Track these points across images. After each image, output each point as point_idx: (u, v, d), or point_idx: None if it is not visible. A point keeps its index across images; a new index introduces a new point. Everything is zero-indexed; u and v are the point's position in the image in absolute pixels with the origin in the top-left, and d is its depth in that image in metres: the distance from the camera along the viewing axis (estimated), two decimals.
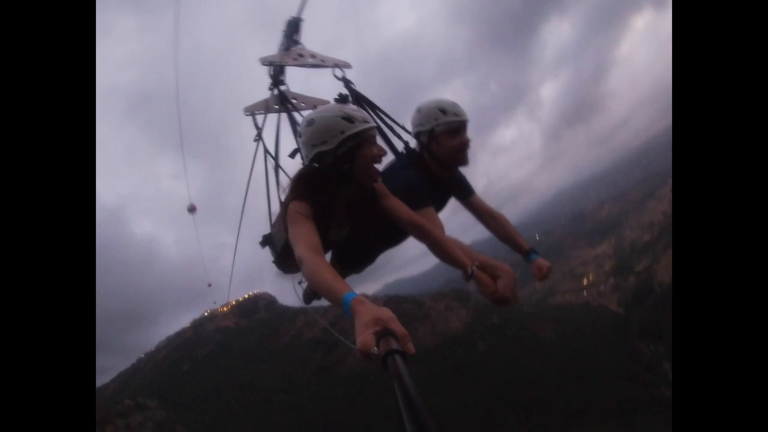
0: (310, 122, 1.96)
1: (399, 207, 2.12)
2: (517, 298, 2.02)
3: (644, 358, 67.03)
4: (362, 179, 1.98)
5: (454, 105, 2.43)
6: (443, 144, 2.40)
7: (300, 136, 2.03)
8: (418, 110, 2.48)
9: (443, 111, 2.39)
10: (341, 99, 2.23)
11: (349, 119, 1.89)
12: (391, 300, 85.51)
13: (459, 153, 2.43)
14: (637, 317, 77.05)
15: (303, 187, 1.98)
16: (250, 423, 58.63)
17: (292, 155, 2.27)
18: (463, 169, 2.70)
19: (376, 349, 1.09)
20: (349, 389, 62.27)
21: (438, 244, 2.07)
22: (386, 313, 1.20)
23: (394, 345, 1.06)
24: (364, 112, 2.08)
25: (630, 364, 65.32)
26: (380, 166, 2.04)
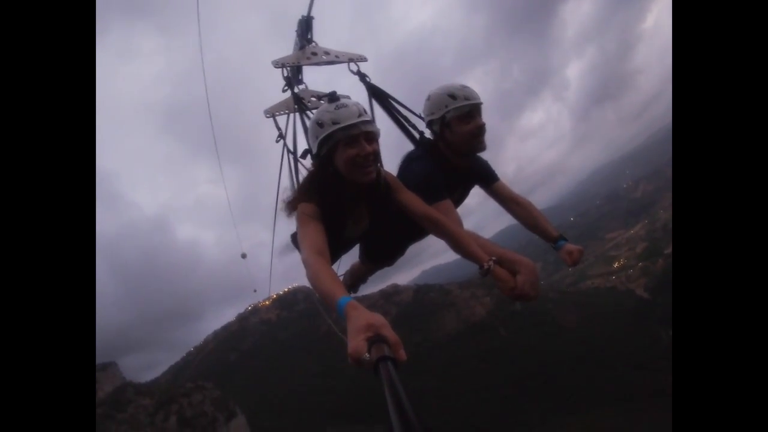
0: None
1: (413, 201, 2.09)
2: (539, 292, 1.93)
3: (662, 345, 68.30)
4: (351, 179, 1.94)
5: (464, 88, 2.33)
6: (456, 131, 2.31)
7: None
8: (428, 98, 2.41)
9: (453, 96, 2.30)
10: (328, 97, 2.03)
11: (320, 124, 1.90)
12: (420, 289, 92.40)
13: (474, 139, 2.33)
14: (661, 302, 77.61)
15: (310, 188, 2.01)
16: (292, 404, 66.74)
17: (303, 156, 2.30)
18: (486, 155, 2.59)
19: (367, 355, 1.09)
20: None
21: (453, 239, 2.03)
22: (379, 319, 1.21)
23: (386, 351, 1.07)
24: (343, 110, 1.89)
25: (647, 351, 67.27)
26: (394, 158, 2.08)
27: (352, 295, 2.83)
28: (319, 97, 3.25)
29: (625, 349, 68.76)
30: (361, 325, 1.19)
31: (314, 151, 1.98)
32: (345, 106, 1.92)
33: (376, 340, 1.13)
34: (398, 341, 1.16)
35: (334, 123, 1.87)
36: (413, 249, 2.70)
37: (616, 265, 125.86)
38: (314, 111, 2.22)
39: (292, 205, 2.00)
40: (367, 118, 1.93)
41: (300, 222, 1.88)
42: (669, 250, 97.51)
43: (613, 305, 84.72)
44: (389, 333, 1.17)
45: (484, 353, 71.07)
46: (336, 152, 1.90)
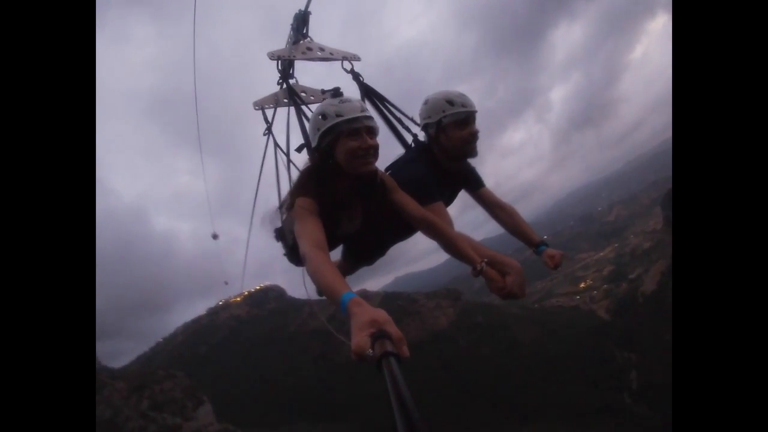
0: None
1: (407, 202, 2.14)
2: (525, 293, 2.02)
3: (615, 366, 72.30)
4: (351, 171, 1.98)
5: (462, 96, 2.40)
6: (451, 136, 2.39)
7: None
8: (426, 102, 2.48)
9: (450, 102, 2.38)
10: (331, 92, 2.10)
11: (323, 116, 1.96)
12: (388, 296, 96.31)
13: (467, 144, 2.42)
14: (619, 325, 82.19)
15: (308, 182, 2.03)
16: (258, 400, 69.74)
17: (299, 150, 2.30)
18: (472, 162, 2.69)
19: (371, 351, 1.10)
20: (344, 374, 71.30)
21: (447, 240, 2.08)
22: (382, 315, 1.21)
23: (389, 347, 1.08)
24: (346, 104, 1.99)
25: (599, 370, 71.02)
26: (381, 159, 2.05)
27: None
28: (309, 92, 3.25)
29: (579, 367, 72.42)
30: (364, 321, 1.18)
31: (315, 143, 2.01)
32: (349, 101, 2.00)
33: (379, 335, 1.14)
34: (401, 337, 1.16)
35: (338, 115, 1.94)
36: (388, 255, 2.74)
37: (582, 285, 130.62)
38: (312, 107, 2.32)
39: (290, 200, 2.03)
40: (369, 113, 2.01)
41: (298, 216, 1.88)
42: (634, 275, 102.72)
43: (573, 324, 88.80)
44: (393, 329, 1.17)
45: (443, 361, 75.08)
46: (337, 144, 1.95)
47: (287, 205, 2.09)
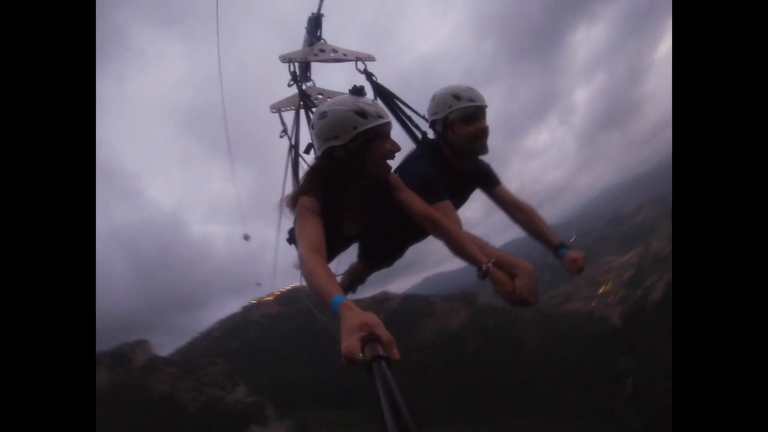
0: (322, 115, 1.98)
1: (413, 200, 2.11)
2: (538, 298, 1.92)
3: (616, 371, 75.35)
4: (373, 175, 1.99)
5: (470, 90, 2.35)
6: (459, 132, 2.34)
7: (312, 128, 2.07)
8: (433, 98, 2.45)
9: (457, 97, 2.34)
10: (356, 91, 2.03)
11: (362, 114, 1.90)
12: (406, 298, 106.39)
13: (476, 141, 2.36)
14: (628, 332, 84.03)
15: (313, 181, 2.02)
16: (286, 389, 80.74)
17: (307, 150, 2.27)
18: (486, 158, 2.62)
19: (361, 354, 1.11)
20: (363, 368, 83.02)
21: (452, 239, 2.03)
22: (372, 318, 1.23)
23: (380, 351, 1.09)
24: (380, 106, 2.02)
25: (599, 375, 74.78)
26: (395, 160, 2.08)
27: (349, 295, 2.94)
28: (326, 94, 3.24)
29: (579, 370, 77.30)
30: (354, 325, 1.20)
31: (344, 140, 1.92)
32: (376, 102, 2.05)
33: (369, 339, 1.15)
34: (392, 340, 1.18)
35: (379, 116, 1.93)
36: (416, 256, 2.77)
37: (601, 290, 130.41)
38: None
39: (294, 199, 2.01)
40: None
41: (299, 215, 1.89)
42: (650, 282, 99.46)
43: (582, 330, 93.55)
44: (383, 332, 1.19)
45: (452, 360, 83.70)
46: (374, 144, 1.93)
47: (291, 204, 2.05)
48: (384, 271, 3.11)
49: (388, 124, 1.99)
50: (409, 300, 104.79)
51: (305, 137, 2.88)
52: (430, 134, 2.60)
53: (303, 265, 1.66)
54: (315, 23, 3.06)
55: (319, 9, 3.00)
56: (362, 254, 2.80)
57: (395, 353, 1.15)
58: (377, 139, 1.95)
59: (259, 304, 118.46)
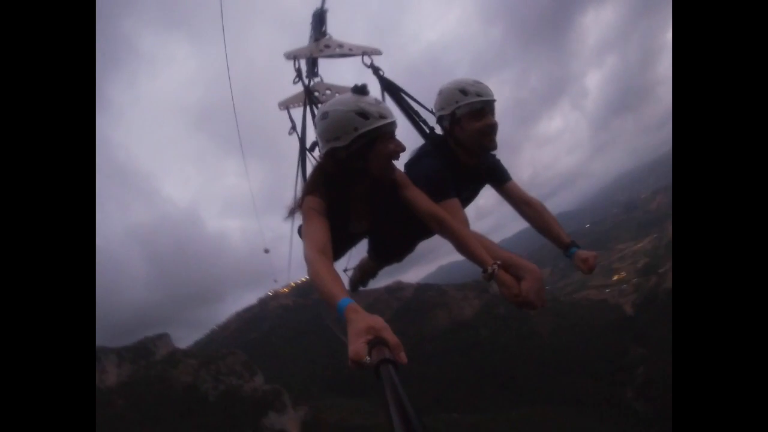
0: (324, 115, 1.95)
1: (419, 198, 2.10)
2: (544, 301, 1.88)
3: (627, 361, 75.55)
4: (378, 175, 1.97)
5: (477, 84, 2.32)
6: (466, 128, 2.30)
7: (315, 128, 2.06)
8: (439, 93, 2.42)
9: (464, 92, 2.29)
10: (358, 89, 1.97)
11: (363, 115, 1.87)
12: (420, 288, 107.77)
13: (484, 137, 2.31)
14: (640, 320, 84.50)
15: (318, 181, 2.01)
16: (301, 377, 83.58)
17: (312, 148, 2.32)
18: (500, 157, 2.59)
19: (368, 358, 1.12)
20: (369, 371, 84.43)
21: (457, 239, 2.01)
22: (379, 321, 1.24)
23: (387, 354, 1.10)
24: (383, 105, 1.97)
25: (610, 364, 74.88)
26: (401, 160, 2.05)
27: (360, 288, 3.06)
28: (334, 89, 3.19)
29: (590, 359, 77.39)
30: (361, 328, 1.21)
31: (346, 142, 1.90)
32: (381, 102, 1.99)
33: (376, 342, 1.16)
34: (398, 344, 1.19)
35: (382, 117, 1.89)
36: (429, 245, 2.67)
37: (615, 278, 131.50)
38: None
39: (300, 199, 2.02)
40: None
41: (305, 216, 1.89)
42: (663, 269, 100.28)
43: (594, 318, 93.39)
44: (389, 336, 1.20)
45: (464, 348, 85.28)
46: (376, 145, 1.90)
47: (297, 203, 2.05)
48: (400, 264, 3.11)
49: (391, 124, 1.94)
50: (422, 289, 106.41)
51: (313, 134, 2.79)
52: (437, 130, 2.59)
53: (309, 267, 1.66)
54: (319, 19, 3.05)
55: (323, 4, 2.97)
56: (372, 251, 2.78)
57: (402, 357, 1.16)
58: (379, 140, 1.91)
59: (275, 296, 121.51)
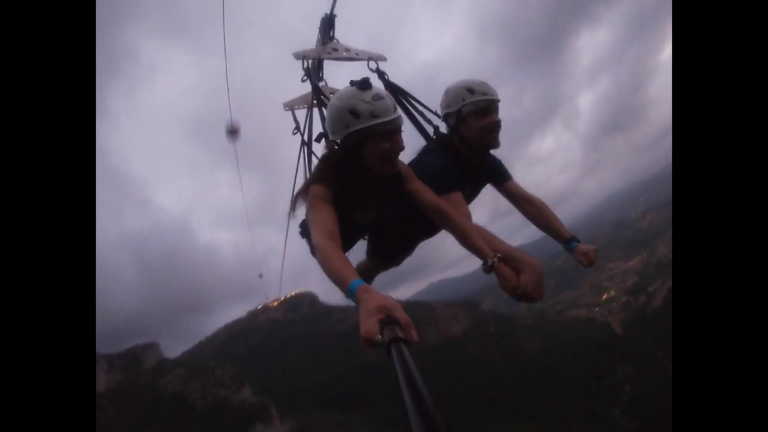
0: (329, 107, 1.99)
1: (423, 191, 2.12)
2: (543, 295, 1.89)
3: (614, 378, 76.60)
4: (376, 171, 1.97)
5: (483, 84, 2.38)
6: (471, 125, 2.36)
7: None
8: (446, 92, 2.47)
9: (470, 90, 2.36)
10: (359, 83, 1.93)
11: (355, 114, 1.86)
12: (409, 305, 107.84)
13: (488, 134, 2.37)
14: (628, 339, 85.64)
15: (324, 169, 2.01)
16: (290, 392, 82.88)
17: (318, 139, 2.29)
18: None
19: (379, 336, 1.11)
20: (365, 373, 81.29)
21: (459, 231, 2.04)
22: (390, 301, 1.23)
23: (399, 333, 1.09)
24: (379, 104, 1.90)
25: (597, 382, 75.94)
26: (408, 154, 2.00)
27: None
28: (333, 93, 2.99)
29: (578, 377, 78.42)
30: (372, 307, 1.21)
31: (339, 138, 1.94)
32: (381, 98, 1.92)
33: (388, 321, 1.16)
34: (410, 322, 1.18)
35: (373, 116, 1.86)
36: (423, 260, 2.81)
37: (605, 296, 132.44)
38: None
39: (305, 188, 2.00)
40: (400, 112, 1.97)
41: (311, 204, 1.87)
42: (653, 288, 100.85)
43: (583, 336, 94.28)
44: (401, 314, 1.19)
45: (452, 365, 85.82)
46: (367, 144, 1.90)
47: (302, 192, 2.03)
48: (388, 277, 3.01)
49: (386, 123, 1.89)
50: (411, 306, 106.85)
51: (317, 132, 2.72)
52: (442, 129, 2.65)
53: (318, 252, 1.64)
54: (328, 23, 3.12)
55: (332, 9, 3.06)
56: (371, 250, 2.79)
57: (414, 335, 1.15)
58: (371, 139, 1.89)
59: (265, 309, 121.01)
